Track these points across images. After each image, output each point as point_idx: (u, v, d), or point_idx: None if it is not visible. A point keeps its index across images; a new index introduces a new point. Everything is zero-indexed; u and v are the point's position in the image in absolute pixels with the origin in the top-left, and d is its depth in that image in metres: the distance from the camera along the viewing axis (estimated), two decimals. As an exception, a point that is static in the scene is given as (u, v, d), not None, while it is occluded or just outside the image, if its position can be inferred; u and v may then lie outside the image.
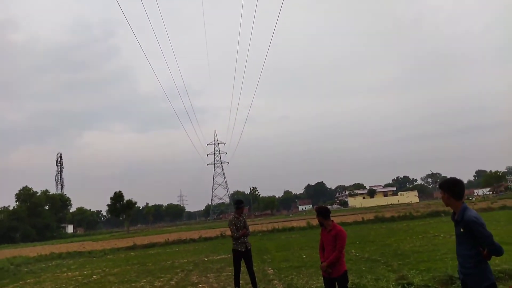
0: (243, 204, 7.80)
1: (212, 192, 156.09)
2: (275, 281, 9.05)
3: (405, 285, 6.51)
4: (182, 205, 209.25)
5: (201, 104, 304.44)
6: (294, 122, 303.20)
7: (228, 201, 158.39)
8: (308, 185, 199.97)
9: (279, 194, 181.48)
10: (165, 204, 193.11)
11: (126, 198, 79.93)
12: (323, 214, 5.14)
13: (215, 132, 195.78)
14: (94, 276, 13.41)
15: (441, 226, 19.85)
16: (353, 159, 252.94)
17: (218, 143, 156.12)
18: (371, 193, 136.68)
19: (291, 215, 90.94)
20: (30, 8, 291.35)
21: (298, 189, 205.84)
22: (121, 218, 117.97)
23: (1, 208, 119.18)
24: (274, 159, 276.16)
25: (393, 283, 6.56)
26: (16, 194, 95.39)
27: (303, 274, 9.68)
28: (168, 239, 28.89)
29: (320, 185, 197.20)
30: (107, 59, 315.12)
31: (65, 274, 15.25)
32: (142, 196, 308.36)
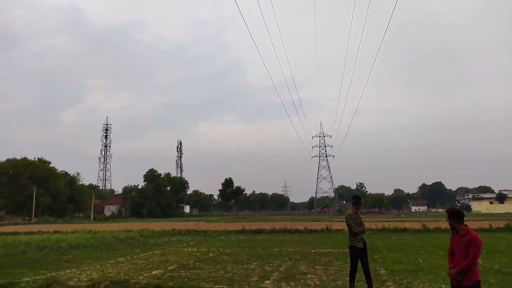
0: (361, 200, 7.51)
1: (317, 185, 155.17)
2: (389, 283, 8.56)
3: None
4: (286, 195, 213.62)
5: (307, 95, 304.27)
6: (408, 114, 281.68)
7: (333, 195, 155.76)
8: (423, 184, 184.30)
9: (388, 192, 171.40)
10: (270, 193, 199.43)
11: (235, 184, 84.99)
12: (455, 216, 4.63)
13: (320, 125, 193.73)
14: (210, 254, 14.57)
15: None
16: (478, 157, 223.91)
17: (324, 136, 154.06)
18: (501, 198, 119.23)
19: (402, 215, 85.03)
20: (155, 10, 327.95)
21: (411, 188, 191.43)
22: (230, 203, 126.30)
23: (132, 186, 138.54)
24: (384, 154, 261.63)
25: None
26: (144, 175, 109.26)
27: (420, 279, 8.95)
28: (274, 227, 29.74)
29: (438, 185, 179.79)
30: (219, 54, 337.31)
31: (185, 249, 16.90)
32: (249, 184, 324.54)
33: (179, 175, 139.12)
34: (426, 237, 22.09)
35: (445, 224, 32.72)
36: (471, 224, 30.63)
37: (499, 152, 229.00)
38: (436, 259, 12.35)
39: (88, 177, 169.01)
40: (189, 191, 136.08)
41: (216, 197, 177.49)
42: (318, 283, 8.48)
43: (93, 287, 7.08)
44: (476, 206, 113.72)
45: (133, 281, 7.38)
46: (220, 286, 7.70)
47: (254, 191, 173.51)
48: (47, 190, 78.73)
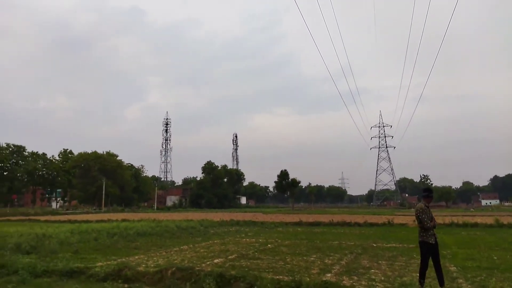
0: (433, 192, 7.03)
1: (376, 177, 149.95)
2: (460, 280, 7.97)
3: None
4: (343, 188, 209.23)
5: (366, 85, 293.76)
6: (477, 101, 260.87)
7: (394, 188, 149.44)
8: (495, 176, 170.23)
9: (456, 184, 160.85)
10: (326, 185, 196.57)
11: (290, 177, 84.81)
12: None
13: (380, 114, 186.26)
14: (269, 245, 14.66)
15: None
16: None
17: (384, 126, 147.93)
18: None
19: (472, 209, 79.38)
20: (209, 6, 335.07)
21: (482, 181, 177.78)
22: (285, 195, 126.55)
23: (191, 178, 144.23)
24: (451, 145, 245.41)
25: None
26: (202, 167, 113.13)
27: (496, 277, 8.22)
28: (332, 219, 29.23)
29: (511, 177, 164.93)
30: (272, 47, 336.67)
31: (244, 239, 17.19)
32: (305, 176, 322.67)
33: (235, 167, 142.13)
34: (500, 232, 20.39)
35: (522, 220, 29.90)
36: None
37: None
38: (512, 257, 11.31)
39: (151, 169, 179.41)
40: (245, 183, 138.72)
41: (271, 189, 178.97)
42: (383, 278, 8.13)
43: (161, 273, 7.40)
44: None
45: (198, 268, 7.60)
46: (281, 277, 7.68)
47: (310, 183, 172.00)
48: (115, 181, 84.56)
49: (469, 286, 7.35)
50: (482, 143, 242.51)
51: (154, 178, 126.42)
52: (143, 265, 9.52)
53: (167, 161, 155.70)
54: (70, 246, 13.72)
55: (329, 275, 8.47)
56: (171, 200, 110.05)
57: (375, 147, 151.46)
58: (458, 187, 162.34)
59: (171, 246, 14.32)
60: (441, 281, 6.55)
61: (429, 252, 6.56)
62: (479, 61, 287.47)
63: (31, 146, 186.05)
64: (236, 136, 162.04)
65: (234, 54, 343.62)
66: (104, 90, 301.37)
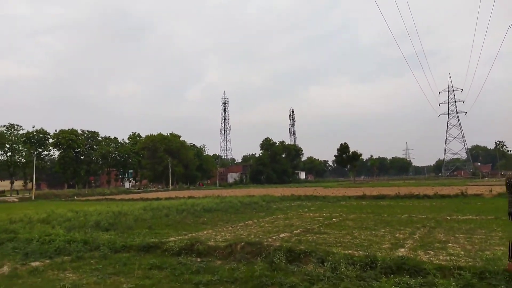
0: None
1: (445, 146, 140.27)
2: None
3: None
4: (408, 159, 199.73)
5: (431, 46, 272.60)
6: None
7: (465, 157, 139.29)
8: None
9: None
10: (389, 157, 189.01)
11: (351, 149, 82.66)
12: None
13: (449, 78, 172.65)
14: (333, 219, 14.43)
15: None
16: None
17: (454, 90, 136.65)
18: None
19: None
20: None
21: None
22: (345, 169, 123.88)
23: (250, 155, 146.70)
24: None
25: None
26: (260, 144, 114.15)
27: None
28: (398, 192, 28.05)
29: None
30: (328, 14, 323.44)
31: (307, 214, 17.12)
32: (366, 148, 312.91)
33: (292, 142, 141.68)
34: None
35: None
36: None
37: None
38: None
39: (212, 148, 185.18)
40: (303, 158, 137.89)
41: (330, 163, 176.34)
42: (462, 253, 7.58)
43: (231, 247, 7.58)
44: None
45: (266, 243, 7.66)
46: (351, 251, 7.47)
47: (371, 156, 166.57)
48: (180, 160, 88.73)
49: None
50: None
51: (215, 157, 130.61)
52: (212, 240, 9.85)
53: (227, 140, 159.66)
54: (144, 222, 14.64)
55: (402, 250, 8.09)
56: (232, 177, 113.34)
57: (444, 114, 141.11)
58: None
59: (237, 221, 14.69)
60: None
61: None
62: None
63: (104, 131, 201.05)
64: (292, 111, 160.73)
65: (287, 26, 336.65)
66: (165, 74, 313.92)
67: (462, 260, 6.69)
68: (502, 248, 7.72)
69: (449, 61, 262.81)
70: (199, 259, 7.35)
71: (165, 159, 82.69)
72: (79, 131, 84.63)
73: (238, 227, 12.94)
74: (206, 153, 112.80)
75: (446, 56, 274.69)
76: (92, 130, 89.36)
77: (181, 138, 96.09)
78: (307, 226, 12.65)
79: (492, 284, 5.02)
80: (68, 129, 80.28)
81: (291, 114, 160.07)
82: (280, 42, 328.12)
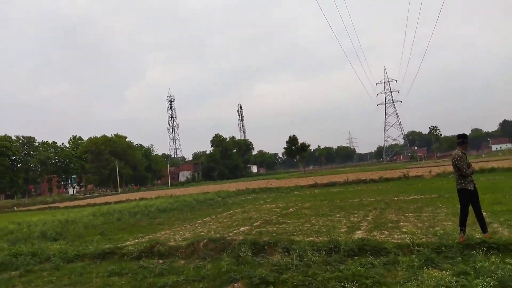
0: (468, 138, 6.78)
1: (384, 133, 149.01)
2: (495, 225, 7.86)
3: None
4: (352, 147, 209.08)
5: (368, 42, 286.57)
6: (483, 49, 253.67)
7: (402, 142, 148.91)
8: (505, 121, 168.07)
9: (465, 132, 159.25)
10: (335, 146, 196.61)
11: (299, 141, 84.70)
12: None
13: (384, 70, 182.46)
14: (290, 209, 14.69)
15: None
16: None
17: (389, 81, 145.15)
18: None
19: (483, 155, 79.21)
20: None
21: (491, 126, 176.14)
22: (295, 160, 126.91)
23: (201, 152, 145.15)
24: (458, 94, 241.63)
25: None
26: (211, 141, 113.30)
27: (531, 219, 8.09)
28: (347, 179, 29.25)
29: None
30: (269, 14, 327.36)
31: (264, 206, 17.26)
32: (312, 139, 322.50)
33: (242, 137, 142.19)
34: (520, 175, 20.19)
35: (539, 161, 29.63)
36: None
37: None
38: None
39: (161, 147, 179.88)
40: (254, 152, 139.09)
41: (280, 155, 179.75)
42: (414, 230, 8.05)
43: (193, 245, 7.40)
44: None
45: (229, 238, 7.57)
46: (313, 238, 7.62)
47: (319, 146, 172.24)
48: (127, 162, 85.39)
49: (505, 230, 7.23)
50: (489, 89, 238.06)
51: (165, 156, 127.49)
52: (172, 240, 9.56)
53: (175, 138, 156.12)
54: (96, 229, 13.88)
55: (359, 232, 8.42)
56: (183, 175, 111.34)
57: (381, 104, 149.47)
58: (468, 135, 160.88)
59: (194, 219, 14.43)
60: (483, 228, 6.41)
61: (469, 199, 6.40)
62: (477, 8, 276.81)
63: (40, 136, 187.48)
64: (241, 107, 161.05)
65: (231, 23, 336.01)
66: (104, 73, 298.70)
67: (416, 238, 7.10)
68: (450, 223, 8.32)
69: (384, 55, 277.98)
70: (160, 261, 7.09)
71: (111, 162, 79.13)
72: (13, 137, 78.20)
73: (196, 225, 12.71)
74: (154, 153, 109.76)
75: (382, 51, 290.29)
76: (28, 136, 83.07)
77: (127, 139, 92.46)
78: (265, 217, 12.75)
79: (449, 256, 5.40)
80: (1, 136, 73.81)
81: (240, 110, 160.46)
82: (225, 39, 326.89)
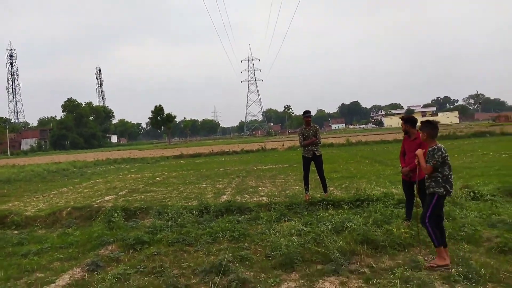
0: (309, 114, 8.04)
1: (246, 109, 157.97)
2: (331, 188, 9.64)
3: (471, 193, 6.80)
4: (216, 121, 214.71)
5: (237, 19, 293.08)
6: (333, 39, 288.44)
7: (261, 118, 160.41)
8: (342, 104, 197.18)
9: (312, 112, 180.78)
10: (200, 119, 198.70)
11: (165, 112, 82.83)
12: (410, 122, 5.33)
13: (249, 48, 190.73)
14: (157, 178, 14.75)
15: (488, 146, 19.60)
16: (390, 78, 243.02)
17: (253, 60, 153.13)
18: (409, 113, 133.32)
19: (325, 132, 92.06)
20: None
21: (332, 108, 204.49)
22: (159, 131, 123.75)
23: (49, 118, 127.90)
24: (310, 77, 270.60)
25: (461, 192, 6.84)
26: (62, 105, 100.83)
27: (356, 183, 10.20)
28: (212, 150, 30.48)
29: (355, 104, 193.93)
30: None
31: (129, 176, 16.81)
32: (178, 110, 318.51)
33: (101, 104, 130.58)
34: (351, 150, 24.44)
35: (365, 138, 36.33)
36: (387, 136, 34.47)
37: (405, 72, 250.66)
38: (364, 167, 13.96)
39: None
40: (115, 121, 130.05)
41: (144, 126, 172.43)
42: (270, 193, 9.27)
43: (54, 214, 6.97)
44: (388, 122, 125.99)
45: (97, 205, 7.38)
46: (183, 203, 8.04)
47: (185, 118, 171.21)
48: None
49: (339, 191, 9.01)
50: (333, 74, 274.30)
51: (2, 120, 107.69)
52: (24, 212, 8.69)
53: (16, 100, 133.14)
54: None
55: (224, 197, 9.22)
56: (27, 143, 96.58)
57: (245, 80, 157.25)
58: (314, 115, 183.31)
59: (47, 190, 13.18)
60: (324, 188, 7.94)
61: (306, 164, 7.84)
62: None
63: None
64: (99, 70, 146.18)
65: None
66: None
67: (272, 198, 8.25)
68: (297, 187, 9.83)
69: (251, 34, 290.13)
70: (16, 232, 6.49)
71: None
72: None
73: (51, 196, 11.67)
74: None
75: (250, 29, 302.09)
76: None
77: None
78: (131, 187, 12.56)
79: (298, 212, 6.63)
80: None
81: (98, 73, 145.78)
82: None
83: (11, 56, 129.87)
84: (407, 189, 5.42)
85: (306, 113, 8.10)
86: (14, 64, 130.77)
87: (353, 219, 5.22)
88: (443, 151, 4.11)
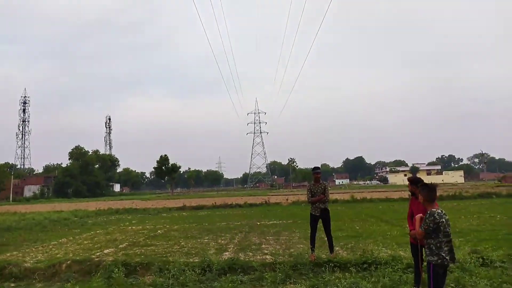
0: (319, 170, 8.07)
1: (251, 161, 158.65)
2: (337, 248, 9.41)
3: (481, 259, 6.62)
4: (220, 172, 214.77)
5: (245, 71, 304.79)
6: (339, 93, 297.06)
7: (265, 171, 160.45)
8: (347, 159, 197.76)
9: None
10: (204, 169, 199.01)
11: (170, 162, 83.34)
12: (416, 183, 5.32)
13: (256, 101, 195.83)
14: (158, 231, 14.52)
15: (495, 207, 19.30)
16: (395, 134, 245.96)
17: (259, 113, 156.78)
18: (414, 170, 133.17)
19: (329, 188, 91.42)
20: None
21: (336, 163, 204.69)
22: (162, 181, 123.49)
23: (55, 165, 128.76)
24: (315, 131, 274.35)
25: (470, 257, 6.67)
26: (69, 153, 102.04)
27: (362, 243, 9.97)
28: (215, 203, 30.18)
29: (359, 159, 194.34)
30: (148, 24, 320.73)
31: (130, 227, 16.56)
32: (181, 160, 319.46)
33: (108, 152, 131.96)
34: (356, 207, 24.12)
35: (370, 195, 35.93)
36: (392, 194, 34.09)
37: (411, 130, 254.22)
38: (370, 226, 13.71)
39: (4, 155, 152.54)
40: (119, 169, 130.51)
41: (148, 175, 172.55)
42: (274, 251, 9.06)
43: (54, 267, 6.81)
44: (392, 178, 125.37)
45: (97, 259, 7.24)
46: (185, 260, 7.86)
47: (189, 168, 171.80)
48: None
49: (344, 252, 8.79)
50: (337, 129, 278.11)
51: (8, 165, 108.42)
52: (24, 263, 8.51)
53: (25, 146, 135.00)
54: None
55: (227, 253, 9.02)
56: (30, 190, 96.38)
57: (251, 133, 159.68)
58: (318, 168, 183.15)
59: (47, 240, 12.97)
60: (331, 249, 7.76)
61: (313, 222, 7.74)
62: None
63: None
64: (109, 119, 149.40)
65: (105, 28, 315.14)
66: None
67: (277, 257, 8.05)
68: (302, 246, 9.62)
69: (258, 87, 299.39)
70: (13, 284, 6.33)
71: None
72: None
73: (51, 247, 11.47)
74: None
75: (257, 82, 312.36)
76: None
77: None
78: (132, 239, 12.35)
79: (303, 273, 6.43)
80: None
81: (108, 122, 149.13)
82: (96, 44, 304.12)
83: (25, 103, 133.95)
84: (415, 253, 5.30)
85: (316, 169, 8.12)
86: (27, 111, 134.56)
87: (361, 284, 5.07)
88: (436, 216, 3.95)
